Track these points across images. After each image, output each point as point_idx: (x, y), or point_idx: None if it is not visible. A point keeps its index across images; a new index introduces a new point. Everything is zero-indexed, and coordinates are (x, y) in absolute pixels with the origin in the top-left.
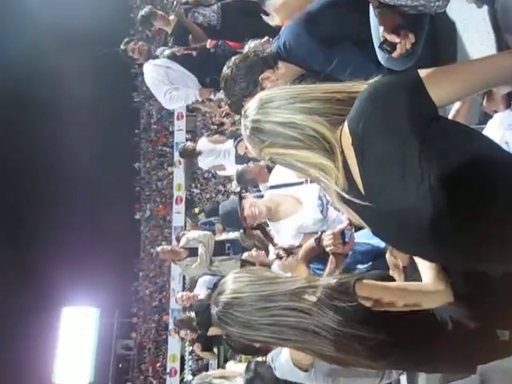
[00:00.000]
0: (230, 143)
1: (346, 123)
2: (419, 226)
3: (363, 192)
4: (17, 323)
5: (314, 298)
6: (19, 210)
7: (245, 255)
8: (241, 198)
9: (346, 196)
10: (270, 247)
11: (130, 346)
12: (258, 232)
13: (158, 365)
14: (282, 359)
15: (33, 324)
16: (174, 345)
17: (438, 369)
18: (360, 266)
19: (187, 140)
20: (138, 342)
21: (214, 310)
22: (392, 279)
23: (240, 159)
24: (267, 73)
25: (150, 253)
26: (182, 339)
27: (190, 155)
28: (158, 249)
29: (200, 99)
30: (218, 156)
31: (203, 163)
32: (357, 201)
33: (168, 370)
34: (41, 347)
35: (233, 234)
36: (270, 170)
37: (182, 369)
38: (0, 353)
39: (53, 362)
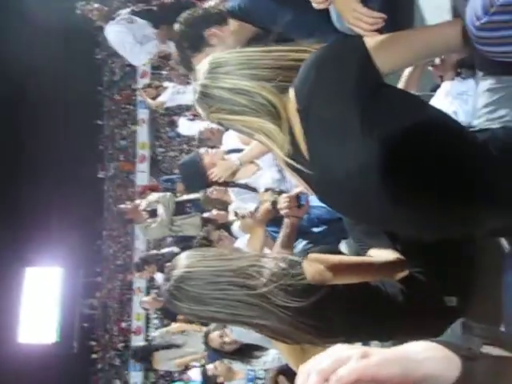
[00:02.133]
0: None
1: (291, 89)
2: (360, 192)
3: (308, 158)
4: None
5: (261, 276)
6: None
7: (206, 214)
8: (200, 156)
9: (291, 162)
10: (230, 208)
11: (94, 305)
12: (218, 193)
13: (123, 323)
14: None
15: None
16: (138, 303)
17: (392, 340)
18: (315, 230)
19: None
20: (102, 301)
21: (166, 286)
22: (340, 253)
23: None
24: (214, 29)
25: (114, 212)
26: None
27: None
28: (120, 206)
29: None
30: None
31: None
32: (301, 167)
33: (133, 329)
34: (4, 308)
35: (193, 195)
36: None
37: (148, 327)
38: None
39: (17, 323)
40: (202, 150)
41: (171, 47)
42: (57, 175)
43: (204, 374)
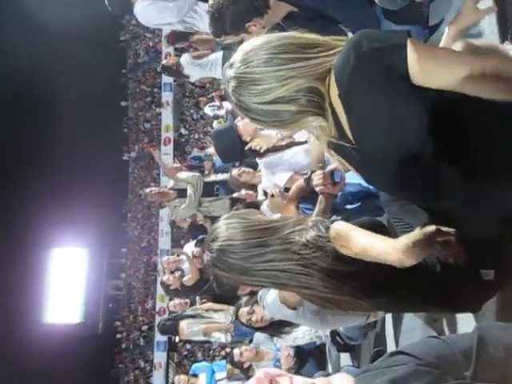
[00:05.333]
0: (217, 55)
1: (332, 72)
2: (408, 168)
3: (353, 139)
4: (6, 266)
5: (303, 240)
6: (3, 152)
7: (235, 195)
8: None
9: (338, 142)
10: (259, 188)
11: (119, 286)
12: (247, 175)
13: (147, 304)
14: (268, 299)
15: (22, 266)
16: None
17: (426, 310)
18: (349, 207)
19: (175, 81)
20: (127, 283)
21: (209, 257)
22: (383, 226)
23: None
24: (255, 21)
25: (139, 194)
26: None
27: (174, 72)
28: (147, 190)
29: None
30: (205, 69)
31: (192, 78)
32: (345, 145)
33: (157, 310)
34: (31, 289)
35: (222, 176)
36: None
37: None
38: None
39: (44, 303)
40: (237, 121)
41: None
42: (82, 158)
43: (231, 358)
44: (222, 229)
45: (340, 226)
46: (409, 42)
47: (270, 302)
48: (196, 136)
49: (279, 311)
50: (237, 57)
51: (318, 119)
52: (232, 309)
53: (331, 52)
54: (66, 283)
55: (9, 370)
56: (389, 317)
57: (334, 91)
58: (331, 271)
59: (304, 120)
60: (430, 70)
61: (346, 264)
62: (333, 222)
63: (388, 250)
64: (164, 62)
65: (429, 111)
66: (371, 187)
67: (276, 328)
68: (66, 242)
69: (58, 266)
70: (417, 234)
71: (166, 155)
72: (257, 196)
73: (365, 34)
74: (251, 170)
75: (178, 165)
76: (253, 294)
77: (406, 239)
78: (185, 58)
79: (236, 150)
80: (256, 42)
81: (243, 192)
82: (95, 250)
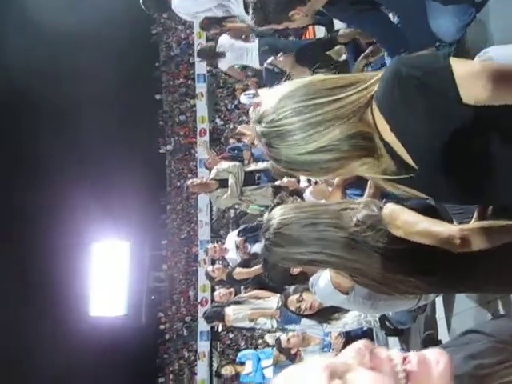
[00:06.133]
0: (252, 44)
1: (374, 102)
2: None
3: (415, 166)
4: (50, 260)
5: (354, 220)
6: (44, 149)
7: (277, 183)
8: None
9: (395, 177)
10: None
11: (161, 277)
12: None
13: (190, 295)
14: (321, 284)
15: (66, 261)
16: (203, 275)
17: (481, 289)
18: None
19: (208, 71)
20: (168, 274)
21: (265, 236)
22: (434, 210)
23: (264, 55)
24: (298, 9)
25: (177, 186)
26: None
27: (211, 56)
28: (188, 182)
29: None
30: (240, 54)
31: (223, 63)
32: (409, 175)
33: (199, 300)
34: (76, 283)
35: (262, 164)
36: None
37: (213, 299)
38: (36, 290)
39: (88, 297)
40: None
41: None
42: (120, 152)
43: (278, 344)
44: (277, 211)
45: (394, 207)
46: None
47: (323, 287)
48: (231, 126)
49: (331, 296)
50: (265, 110)
51: (364, 161)
52: (278, 295)
53: (363, 87)
54: (109, 277)
55: (57, 363)
56: (439, 300)
57: (383, 124)
58: (384, 249)
59: (347, 165)
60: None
61: (400, 243)
62: (386, 203)
63: (449, 232)
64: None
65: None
66: None
67: (325, 315)
68: (108, 235)
69: (100, 259)
70: (485, 222)
71: (202, 146)
72: (299, 183)
73: (402, 61)
74: None
75: (217, 157)
76: (304, 277)
77: (471, 225)
78: (223, 38)
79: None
80: (283, 92)
81: (285, 180)
82: (136, 243)
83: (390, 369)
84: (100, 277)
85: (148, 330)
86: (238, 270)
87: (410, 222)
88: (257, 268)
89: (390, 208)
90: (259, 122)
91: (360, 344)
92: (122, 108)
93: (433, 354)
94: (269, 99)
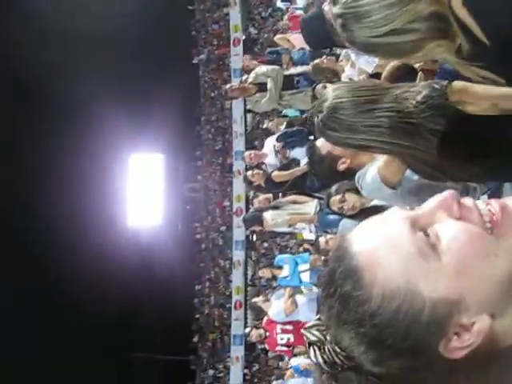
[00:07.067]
0: None
1: None
2: None
3: (488, 42)
4: (88, 171)
5: (413, 101)
6: (82, 64)
7: (316, 61)
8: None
9: (463, 62)
10: (343, 76)
11: (196, 188)
12: (329, 61)
13: (225, 205)
14: (368, 178)
15: (103, 173)
16: (238, 185)
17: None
18: None
19: None
20: (203, 185)
21: (319, 117)
22: None
23: None
24: None
25: (211, 97)
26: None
27: None
28: (227, 86)
29: None
30: None
31: None
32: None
33: (234, 210)
34: (113, 194)
35: (301, 68)
36: None
37: (248, 208)
38: (76, 202)
39: (126, 208)
40: (324, 5)
41: None
42: (153, 64)
43: (317, 245)
44: (331, 91)
45: (464, 82)
46: None
47: (370, 181)
48: (265, 36)
49: (378, 190)
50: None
51: (439, 43)
52: (316, 200)
53: None
54: (146, 187)
55: (98, 274)
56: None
57: (457, 2)
58: (443, 133)
59: (422, 47)
60: None
61: (464, 124)
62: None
63: None
64: None
65: None
66: None
67: (367, 215)
68: (143, 148)
69: (136, 170)
70: None
71: (235, 56)
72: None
73: None
74: (333, 57)
75: (255, 61)
76: (350, 173)
77: None
78: None
79: (326, 35)
80: None
81: (325, 60)
82: (171, 155)
83: (477, 218)
84: (137, 188)
85: (184, 239)
86: (277, 172)
87: (487, 88)
88: (296, 170)
89: (461, 82)
90: (335, 3)
91: (446, 194)
92: (155, 19)
93: None
94: None
